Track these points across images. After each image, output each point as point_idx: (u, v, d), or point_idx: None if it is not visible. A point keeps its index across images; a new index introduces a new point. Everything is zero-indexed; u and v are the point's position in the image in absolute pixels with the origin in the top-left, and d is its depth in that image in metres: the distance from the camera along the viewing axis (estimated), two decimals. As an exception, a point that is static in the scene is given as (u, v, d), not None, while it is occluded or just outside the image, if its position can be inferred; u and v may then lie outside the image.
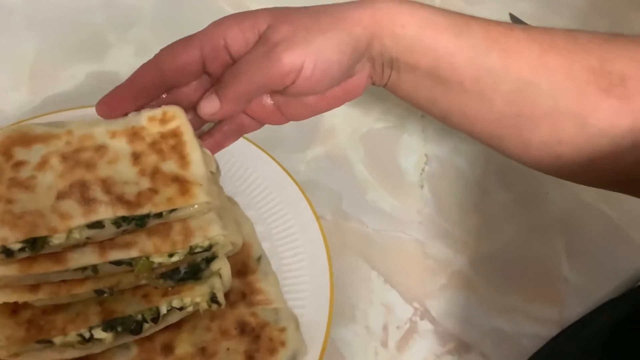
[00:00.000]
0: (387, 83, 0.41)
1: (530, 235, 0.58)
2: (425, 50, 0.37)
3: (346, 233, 0.56)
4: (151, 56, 0.41)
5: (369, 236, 0.56)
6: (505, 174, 0.62)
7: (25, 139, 0.40)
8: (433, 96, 0.40)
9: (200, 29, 0.41)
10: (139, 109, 0.41)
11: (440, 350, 0.50)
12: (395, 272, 0.54)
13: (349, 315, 0.51)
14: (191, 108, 0.42)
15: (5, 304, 0.37)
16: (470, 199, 0.61)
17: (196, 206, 0.40)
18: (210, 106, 0.39)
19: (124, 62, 0.57)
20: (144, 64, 0.40)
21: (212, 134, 0.44)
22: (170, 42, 0.41)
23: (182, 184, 0.39)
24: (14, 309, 0.38)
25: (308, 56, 0.36)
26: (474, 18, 0.38)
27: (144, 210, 0.38)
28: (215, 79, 0.41)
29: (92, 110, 0.42)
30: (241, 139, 0.54)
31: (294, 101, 0.41)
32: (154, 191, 0.39)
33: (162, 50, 0.40)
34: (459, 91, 0.38)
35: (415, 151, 0.64)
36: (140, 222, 0.38)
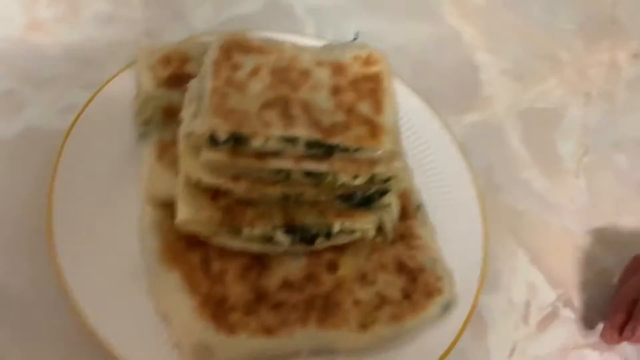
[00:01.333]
0: None
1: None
2: None
3: (496, 205, 0.62)
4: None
5: (518, 213, 0.63)
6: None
7: (244, 46, 0.48)
8: None
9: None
10: None
11: (581, 341, 0.56)
12: (543, 255, 0.61)
13: (493, 285, 0.57)
14: None
15: (206, 190, 0.46)
16: (626, 200, 0.66)
17: (380, 152, 0.46)
18: None
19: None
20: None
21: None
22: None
23: (373, 128, 0.47)
24: (214, 195, 0.46)
25: None
26: None
27: (335, 140, 0.45)
28: None
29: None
30: (406, 89, 0.61)
31: None
32: (346, 126, 0.46)
33: None
34: None
35: (574, 139, 0.69)
36: (328, 151, 0.46)
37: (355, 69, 0.50)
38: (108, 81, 0.55)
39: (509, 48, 0.75)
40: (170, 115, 0.53)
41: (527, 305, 0.57)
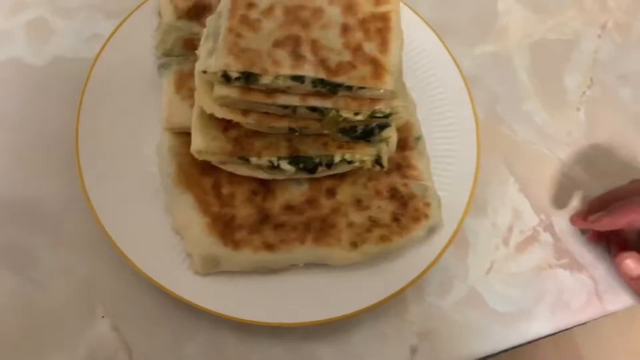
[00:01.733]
0: None
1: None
2: None
3: (495, 135, 0.66)
4: None
5: (515, 144, 0.66)
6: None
7: (259, -17, 0.50)
8: None
9: None
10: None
11: (554, 262, 0.62)
12: (532, 183, 0.65)
13: (481, 209, 0.62)
14: None
15: (219, 122, 0.51)
16: (622, 132, 0.68)
17: (382, 91, 0.50)
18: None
19: None
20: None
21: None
22: None
23: (377, 68, 0.49)
24: (226, 127, 0.52)
25: None
26: None
27: (339, 80, 0.49)
28: None
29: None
30: (420, 22, 0.63)
31: None
32: (352, 65, 0.49)
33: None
34: None
35: (581, 71, 0.70)
36: (332, 89, 0.50)
37: (366, 9, 0.52)
38: (131, 12, 0.59)
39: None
40: (190, 46, 0.57)
41: (510, 229, 0.62)
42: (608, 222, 0.55)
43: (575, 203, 0.64)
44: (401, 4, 0.63)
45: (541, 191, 0.65)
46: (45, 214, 0.54)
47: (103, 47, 0.57)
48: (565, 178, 0.66)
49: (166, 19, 0.58)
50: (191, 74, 0.53)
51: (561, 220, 0.63)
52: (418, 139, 0.60)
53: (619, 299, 0.60)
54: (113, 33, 0.58)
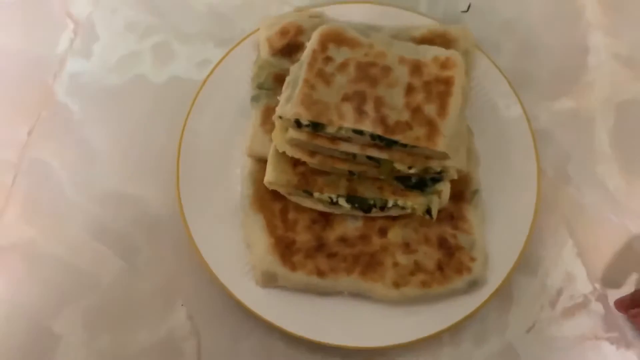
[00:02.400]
0: None
1: None
2: None
3: (560, 195, 0.66)
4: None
5: (580, 206, 0.66)
6: None
7: (339, 38, 0.56)
8: None
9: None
10: None
11: (601, 334, 0.61)
12: (591, 249, 0.64)
13: (531, 267, 0.63)
14: None
15: (290, 159, 0.58)
16: None
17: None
18: None
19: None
20: None
21: None
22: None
23: (432, 130, 0.53)
24: (295, 164, 0.58)
25: None
26: None
27: (395, 137, 0.53)
28: None
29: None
30: (496, 72, 0.65)
31: None
32: (409, 126, 0.54)
33: None
34: None
35: (671, 139, 0.67)
36: (388, 144, 0.54)
37: (432, 71, 0.56)
38: (236, 44, 0.67)
39: (633, 30, 0.71)
40: (280, 80, 0.64)
41: (559, 292, 0.63)
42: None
43: (636, 276, 0.63)
44: (478, 52, 0.65)
45: (601, 260, 0.64)
46: (147, 214, 0.64)
47: (210, 74, 0.66)
48: (630, 249, 0.64)
49: (262, 55, 0.66)
50: (275, 110, 0.61)
51: (616, 293, 0.62)
52: (475, 192, 0.62)
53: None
54: (219, 62, 0.66)
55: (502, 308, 0.62)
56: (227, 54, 0.67)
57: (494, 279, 0.60)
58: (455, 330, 0.59)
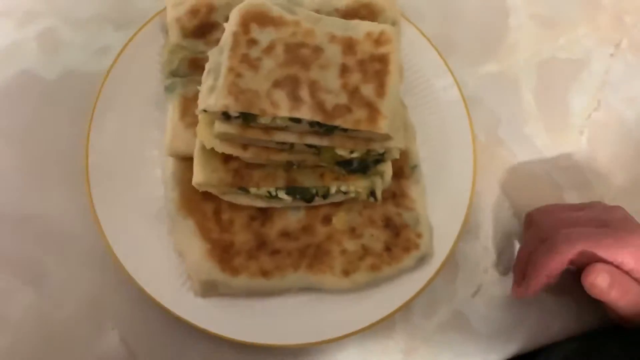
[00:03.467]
0: None
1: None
2: None
3: (493, 158, 0.66)
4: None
5: (513, 167, 0.66)
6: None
7: (262, 17, 0.50)
8: None
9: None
10: None
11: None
12: (526, 208, 0.64)
13: (473, 232, 0.63)
14: None
15: (220, 155, 0.52)
16: (623, 157, 0.67)
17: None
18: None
19: None
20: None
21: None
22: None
23: (372, 112, 0.49)
24: (226, 159, 0.53)
25: None
26: None
27: (335, 122, 0.49)
28: None
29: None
30: (424, 41, 0.62)
31: None
32: (348, 109, 0.49)
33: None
34: None
35: (589, 93, 0.69)
36: (329, 130, 0.50)
37: (366, 48, 0.51)
38: (140, 28, 0.58)
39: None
40: (196, 66, 0.57)
41: (501, 253, 0.63)
42: (535, 288, 0.54)
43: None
44: (404, 21, 0.62)
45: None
46: (55, 230, 0.56)
47: (114, 63, 0.58)
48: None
49: (172, 38, 0.58)
50: (195, 99, 0.54)
51: (551, 246, 0.64)
52: (414, 167, 0.60)
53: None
54: (123, 49, 0.58)
55: (448, 277, 0.62)
56: (131, 38, 0.58)
57: (441, 251, 0.58)
58: (406, 307, 0.58)
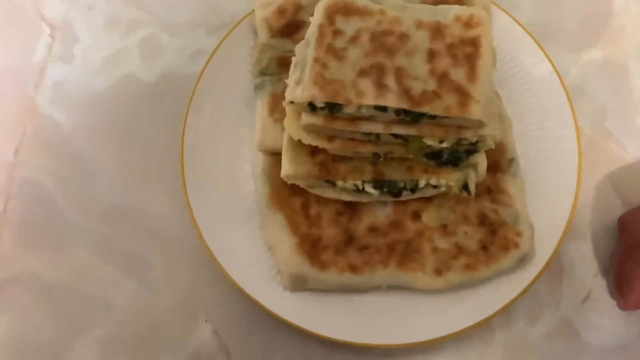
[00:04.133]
0: None
1: None
2: None
3: (601, 152, 0.60)
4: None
5: (625, 162, 0.60)
6: None
7: (347, 8, 0.49)
8: None
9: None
10: None
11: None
12: None
13: (580, 233, 0.58)
14: None
15: (307, 147, 0.51)
16: None
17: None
18: None
19: None
20: None
21: None
22: None
23: (463, 97, 0.46)
24: (313, 152, 0.52)
25: None
26: None
27: (422, 109, 0.47)
28: None
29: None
30: (518, 28, 0.58)
31: None
32: (436, 95, 0.47)
33: None
34: None
35: None
36: (416, 118, 0.48)
37: (455, 32, 0.49)
38: (231, 30, 0.60)
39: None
40: (284, 64, 0.58)
41: (612, 257, 0.57)
42: (632, 302, 0.49)
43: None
44: (496, 8, 0.59)
45: (652, 217, 0.58)
46: (155, 225, 0.58)
47: (206, 65, 0.59)
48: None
49: (261, 38, 0.59)
50: (283, 96, 0.54)
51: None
52: (511, 160, 0.56)
53: None
54: (214, 52, 0.60)
55: (552, 282, 0.57)
56: (221, 41, 0.60)
57: (543, 252, 0.54)
58: (506, 312, 0.54)
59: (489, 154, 0.54)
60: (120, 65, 0.64)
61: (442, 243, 0.53)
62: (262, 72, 0.58)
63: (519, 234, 0.53)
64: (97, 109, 0.62)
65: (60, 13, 0.65)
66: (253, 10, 0.60)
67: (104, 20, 0.65)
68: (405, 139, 0.50)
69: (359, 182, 0.52)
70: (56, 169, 0.60)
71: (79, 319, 0.55)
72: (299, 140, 0.51)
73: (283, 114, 0.53)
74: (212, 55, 0.60)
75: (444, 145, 0.50)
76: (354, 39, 0.49)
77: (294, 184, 0.53)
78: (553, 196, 0.56)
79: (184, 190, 0.55)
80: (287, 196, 0.54)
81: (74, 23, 0.65)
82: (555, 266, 0.57)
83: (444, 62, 0.48)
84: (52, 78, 0.63)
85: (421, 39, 0.49)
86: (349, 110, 0.48)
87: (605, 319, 0.55)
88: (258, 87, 0.58)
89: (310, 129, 0.50)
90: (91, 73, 0.63)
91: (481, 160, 0.52)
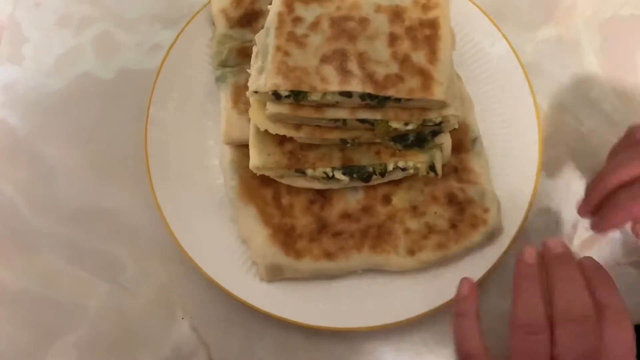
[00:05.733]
0: None
1: None
2: None
3: (559, 126, 0.62)
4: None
5: (581, 135, 0.62)
6: None
7: (306, -7, 0.49)
8: None
9: None
10: None
11: (622, 260, 0.58)
12: (599, 177, 0.60)
13: (544, 206, 0.60)
14: None
15: (274, 137, 0.51)
16: None
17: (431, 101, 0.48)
18: None
19: None
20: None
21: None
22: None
23: (426, 79, 0.47)
24: (281, 141, 0.52)
25: None
26: None
27: (387, 93, 0.47)
28: None
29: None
30: (475, 9, 0.59)
31: None
32: (400, 78, 0.47)
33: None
34: None
35: (659, 49, 0.64)
36: (381, 102, 0.48)
37: (414, 15, 0.49)
38: (187, 23, 0.59)
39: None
40: (244, 55, 0.57)
41: (575, 226, 0.59)
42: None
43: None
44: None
45: (610, 185, 0.60)
46: (125, 224, 0.57)
47: (164, 60, 0.58)
48: None
49: (219, 29, 0.58)
50: (246, 87, 0.53)
51: (631, 217, 0.59)
52: (475, 140, 0.57)
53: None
54: (172, 45, 0.59)
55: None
56: (179, 34, 0.59)
57: (510, 225, 0.56)
58: (479, 287, 0.55)
59: (453, 134, 0.55)
60: (74, 64, 0.62)
61: (413, 224, 0.54)
62: (223, 64, 0.58)
63: (486, 210, 0.55)
64: (53, 110, 0.60)
65: (6, 12, 0.63)
66: (210, 1, 0.59)
67: (54, 18, 0.63)
68: (371, 123, 0.50)
69: (328, 170, 0.53)
70: (15, 174, 0.58)
71: (52, 326, 0.54)
72: (266, 131, 0.51)
73: (247, 105, 0.53)
74: (170, 49, 0.59)
75: (410, 127, 0.51)
76: (315, 26, 0.49)
77: (263, 175, 0.53)
78: (517, 170, 0.57)
79: (150, 187, 0.54)
80: (257, 188, 0.54)
81: (22, 22, 0.63)
82: (522, 239, 0.58)
83: (405, 45, 0.49)
84: (1, 80, 0.61)
85: (381, 23, 0.49)
86: (314, 97, 0.48)
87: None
88: (219, 79, 0.57)
89: (276, 118, 0.50)
90: (44, 73, 0.61)
91: (446, 140, 0.53)
